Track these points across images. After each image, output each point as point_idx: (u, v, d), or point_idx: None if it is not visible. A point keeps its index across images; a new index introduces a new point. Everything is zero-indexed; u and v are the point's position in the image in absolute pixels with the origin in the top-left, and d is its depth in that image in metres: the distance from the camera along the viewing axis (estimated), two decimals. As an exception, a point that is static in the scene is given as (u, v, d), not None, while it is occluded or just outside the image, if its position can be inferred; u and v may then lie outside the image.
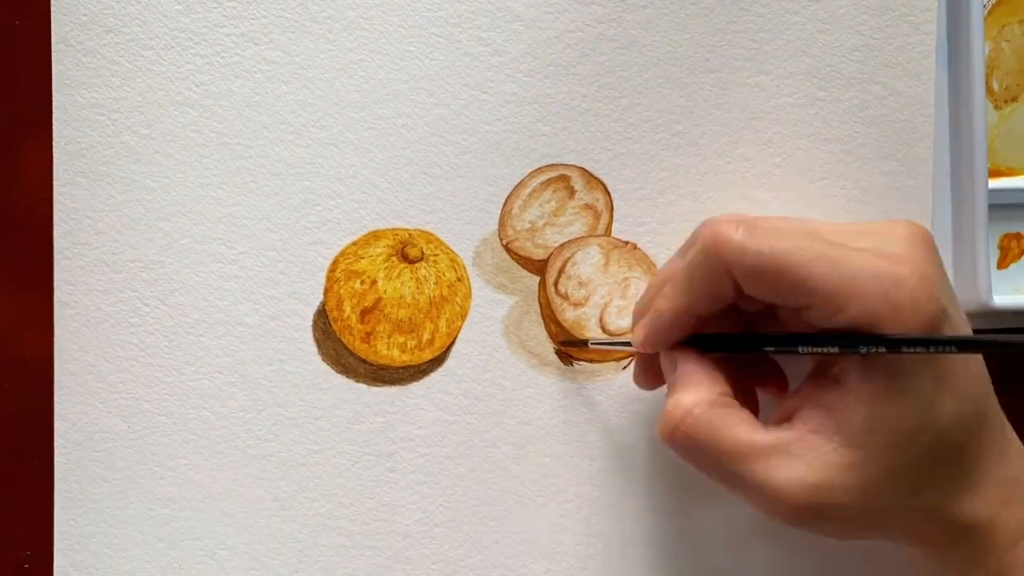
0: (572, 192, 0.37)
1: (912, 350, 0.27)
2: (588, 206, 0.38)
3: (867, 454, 0.28)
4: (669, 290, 0.31)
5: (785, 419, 0.30)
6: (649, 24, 0.37)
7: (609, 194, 0.38)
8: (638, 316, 0.34)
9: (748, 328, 0.33)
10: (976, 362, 0.30)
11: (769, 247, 0.29)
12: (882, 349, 0.28)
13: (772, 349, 0.31)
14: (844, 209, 0.38)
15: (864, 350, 0.28)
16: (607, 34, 0.37)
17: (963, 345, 0.27)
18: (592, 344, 0.36)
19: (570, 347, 0.37)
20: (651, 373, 0.34)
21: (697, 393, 0.30)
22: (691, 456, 0.30)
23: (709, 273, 0.30)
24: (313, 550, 0.37)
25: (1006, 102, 0.41)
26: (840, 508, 0.29)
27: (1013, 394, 0.39)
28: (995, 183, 0.40)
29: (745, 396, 0.34)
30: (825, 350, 0.29)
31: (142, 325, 0.36)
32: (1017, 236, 0.41)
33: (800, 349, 0.30)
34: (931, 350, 0.27)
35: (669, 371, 0.32)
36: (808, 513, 0.29)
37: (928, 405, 0.29)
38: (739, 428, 0.30)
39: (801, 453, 0.29)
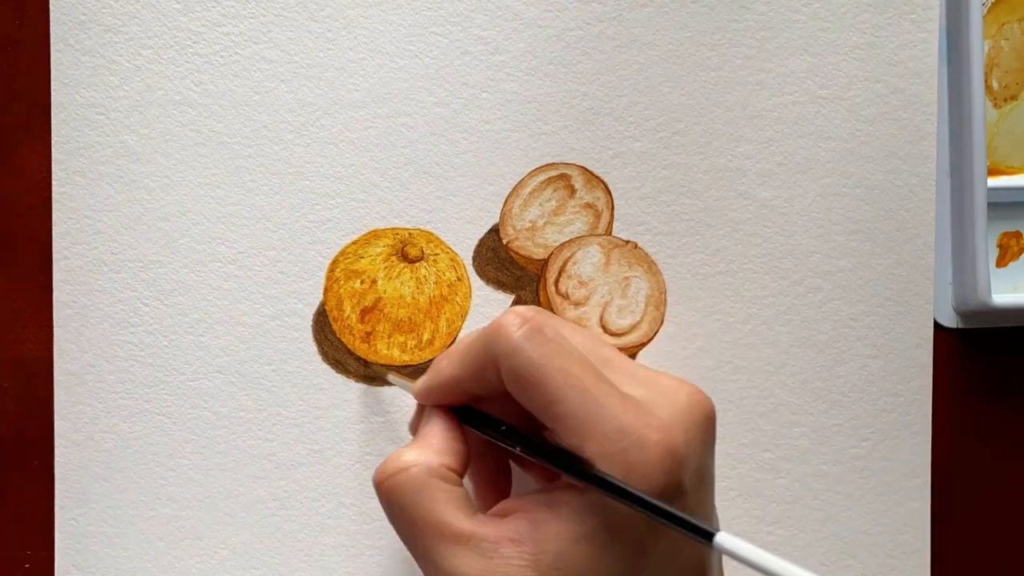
0: (572, 191, 0.37)
1: (612, 495, 0.27)
2: (589, 205, 0.38)
3: None
4: (452, 355, 0.31)
5: (504, 513, 0.29)
6: (650, 22, 0.37)
7: (610, 193, 0.37)
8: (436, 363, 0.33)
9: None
10: (696, 545, 0.28)
11: (538, 359, 0.28)
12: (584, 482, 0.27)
13: (507, 443, 0.30)
14: (846, 207, 0.38)
15: (570, 475, 0.28)
16: (607, 32, 0.37)
17: (652, 509, 0.26)
18: (391, 379, 0.36)
19: (371, 380, 0.37)
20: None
21: (423, 454, 0.30)
22: (389, 512, 0.30)
23: (479, 357, 0.29)
24: (313, 549, 0.37)
25: (1005, 100, 0.41)
26: None
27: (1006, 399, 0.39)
28: (994, 181, 0.40)
29: (501, 476, 0.33)
30: (539, 460, 0.29)
31: (142, 325, 0.36)
32: (1016, 234, 0.41)
33: (517, 449, 0.29)
34: (627, 500, 0.26)
35: (420, 423, 0.32)
36: None
37: (629, 568, 0.27)
38: (444, 504, 0.28)
39: (489, 556, 0.27)
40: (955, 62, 0.39)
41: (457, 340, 0.33)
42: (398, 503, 0.29)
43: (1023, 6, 0.41)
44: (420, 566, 0.29)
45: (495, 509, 0.30)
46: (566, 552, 0.27)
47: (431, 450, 0.30)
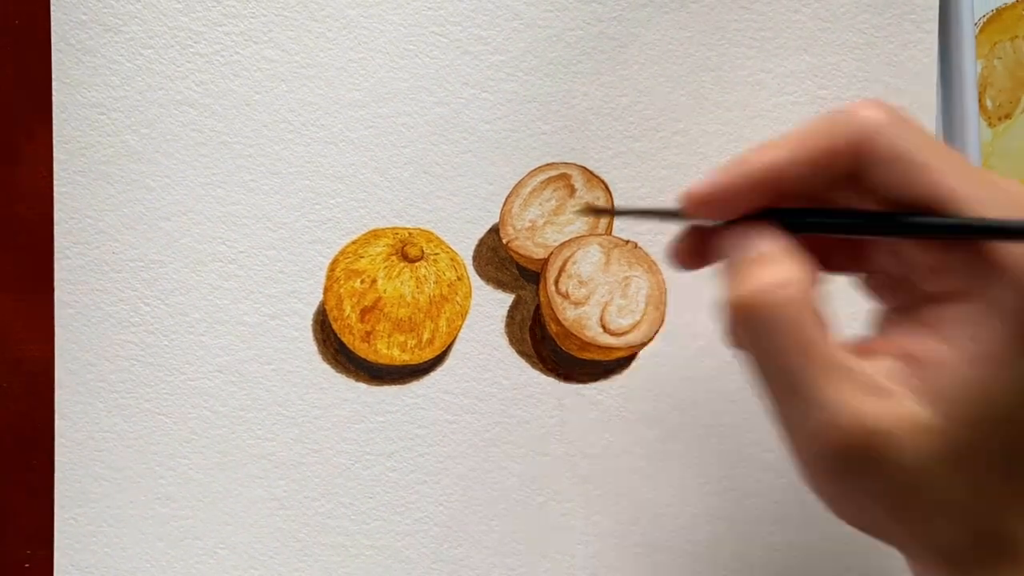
0: (573, 191, 0.37)
1: None
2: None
3: (951, 426, 0.24)
4: (770, 143, 0.25)
5: (871, 351, 0.25)
6: (650, 22, 0.37)
7: (610, 192, 0.37)
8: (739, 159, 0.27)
9: None
10: None
11: (914, 134, 0.24)
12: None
13: (875, 230, 0.25)
14: (846, 208, 0.38)
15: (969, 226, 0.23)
16: (608, 32, 0.37)
17: None
18: (618, 211, 0.33)
19: (596, 214, 0.34)
20: (700, 247, 0.27)
21: (792, 270, 0.24)
22: (760, 336, 0.25)
23: (826, 140, 0.25)
24: (313, 549, 0.36)
25: (999, 119, 0.41)
26: (886, 472, 0.24)
27: None
28: None
29: None
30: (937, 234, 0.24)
31: (142, 324, 0.36)
32: None
33: (905, 224, 0.25)
34: None
35: (738, 248, 0.26)
36: (851, 460, 0.24)
37: None
38: (825, 333, 0.24)
39: (883, 396, 0.24)
40: (948, 82, 0.39)
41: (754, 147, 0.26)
42: (774, 323, 0.24)
43: (1015, 25, 0.41)
44: (787, 401, 0.25)
45: (853, 347, 0.25)
46: (970, 380, 0.24)
47: (795, 264, 0.25)
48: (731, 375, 0.38)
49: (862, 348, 0.25)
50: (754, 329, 0.25)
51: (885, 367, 0.25)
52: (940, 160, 0.24)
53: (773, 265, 0.25)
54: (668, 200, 0.38)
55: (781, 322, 0.24)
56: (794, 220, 0.26)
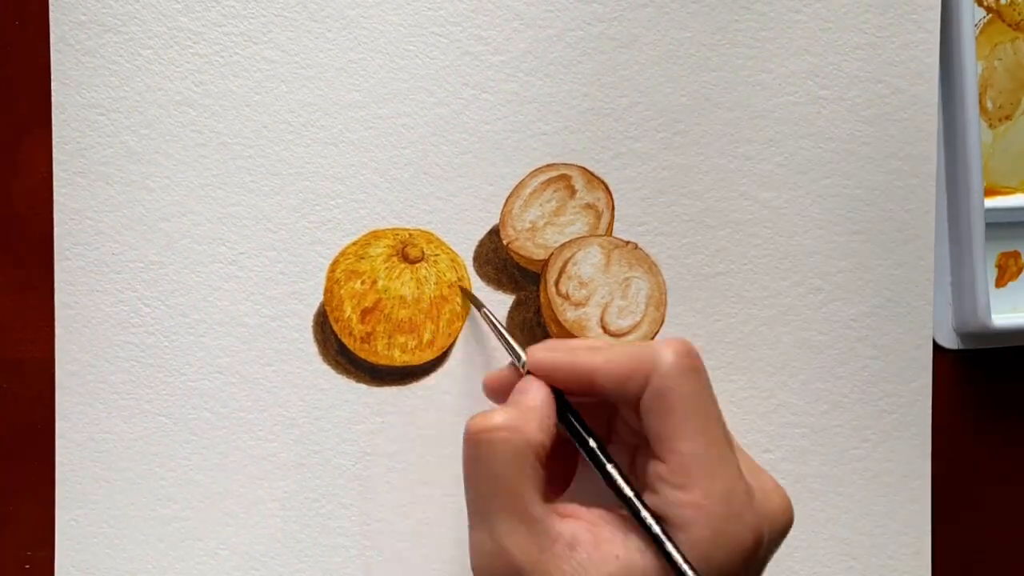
0: (573, 192, 0.37)
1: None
2: (589, 206, 0.37)
3: None
4: (600, 348, 0.31)
5: (568, 513, 0.29)
6: (650, 22, 0.37)
7: (610, 193, 0.37)
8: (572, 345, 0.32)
9: None
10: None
11: (690, 393, 0.29)
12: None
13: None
14: (846, 208, 0.38)
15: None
16: (608, 32, 0.37)
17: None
18: (486, 314, 0.35)
19: (469, 299, 0.37)
20: (506, 387, 0.32)
21: (526, 423, 0.29)
22: (473, 463, 0.29)
23: (632, 363, 0.29)
24: (313, 551, 0.37)
25: (1000, 120, 0.41)
26: None
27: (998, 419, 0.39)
28: (991, 202, 0.40)
29: (566, 472, 0.33)
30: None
31: (142, 325, 0.36)
32: (1014, 254, 0.41)
33: (602, 469, 0.30)
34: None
35: (520, 391, 0.31)
36: None
37: None
38: (529, 483, 0.29)
39: (543, 548, 0.28)
40: (948, 83, 0.39)
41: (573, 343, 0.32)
42: (487, 459, 0.29)
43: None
44: (472, 520, 0.29)
45: (560, 507, 0.30)
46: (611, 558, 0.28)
47: (534, 423, 0.29)
48: (731, 376, 0.38)
49: (571, 511, 0.30)
50: (472, 455, 0.29)
51: (576, 534, 0.28)
52: (678, 434, 0.28)
53: (510, 413, 0.29)
54: (668, 199, 0.37)
55: (492, 459, 0.29)
56: (561, 407, 0.31)
